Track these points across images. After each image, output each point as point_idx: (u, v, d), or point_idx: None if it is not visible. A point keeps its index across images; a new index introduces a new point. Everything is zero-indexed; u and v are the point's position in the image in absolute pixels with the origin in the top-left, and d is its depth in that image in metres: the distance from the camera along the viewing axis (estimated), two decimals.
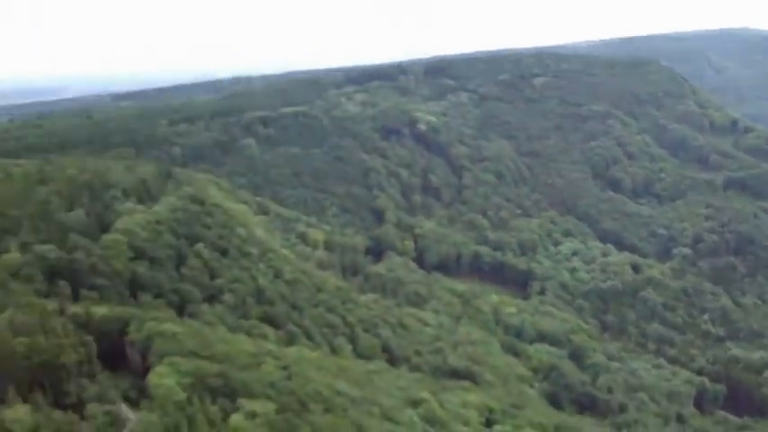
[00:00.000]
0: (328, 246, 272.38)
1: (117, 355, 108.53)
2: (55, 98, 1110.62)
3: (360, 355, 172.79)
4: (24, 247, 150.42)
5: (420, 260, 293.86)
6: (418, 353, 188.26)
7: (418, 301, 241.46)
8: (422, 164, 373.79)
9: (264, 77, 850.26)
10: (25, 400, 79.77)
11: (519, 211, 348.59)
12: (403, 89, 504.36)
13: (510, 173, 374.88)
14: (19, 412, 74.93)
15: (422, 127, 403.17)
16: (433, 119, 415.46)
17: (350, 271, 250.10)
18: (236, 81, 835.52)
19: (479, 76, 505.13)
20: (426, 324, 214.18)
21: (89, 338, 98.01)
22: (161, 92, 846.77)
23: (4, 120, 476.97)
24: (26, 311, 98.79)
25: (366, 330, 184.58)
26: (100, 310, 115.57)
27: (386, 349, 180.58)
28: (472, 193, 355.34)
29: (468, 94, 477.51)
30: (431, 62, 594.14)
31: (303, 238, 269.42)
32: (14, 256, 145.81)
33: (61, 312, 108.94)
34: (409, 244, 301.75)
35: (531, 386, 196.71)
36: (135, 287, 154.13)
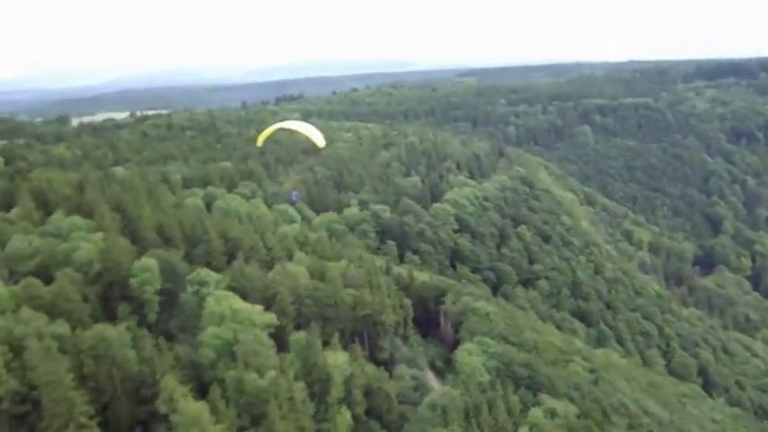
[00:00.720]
0: (653, 248, 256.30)
1: (430, 321, 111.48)
2: (405, 70, 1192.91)
3: (672, 372, 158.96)
4: (363, 205, 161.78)
5: (756, 281, 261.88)
6: (740, 385, 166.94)
7: (747, 326, 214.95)
8: None
9: (606, 65, 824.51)
10: (345, 349, 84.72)
11: None
12: (762, 88, 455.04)
13: None
14: (339, 359, 79.63)
15: None
16: None
17: (673, 279, 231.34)
18: (577, 67, 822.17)
19: None
20: (754, 354, 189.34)
21: (408, 301, 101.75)
22: (502, 71, 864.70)
23: (361, 86, 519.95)
24: (357, 265, 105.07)
25: (683, 347, 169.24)
26: (421, 276, 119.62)
27: (702, 373, 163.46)
28: None
29: None
30: None
31: (628, 235, 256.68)
32: (354, 211, 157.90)
33: (387, 271, 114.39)
34: (746, 261, 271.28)
35: None
36: (455, 258, 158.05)
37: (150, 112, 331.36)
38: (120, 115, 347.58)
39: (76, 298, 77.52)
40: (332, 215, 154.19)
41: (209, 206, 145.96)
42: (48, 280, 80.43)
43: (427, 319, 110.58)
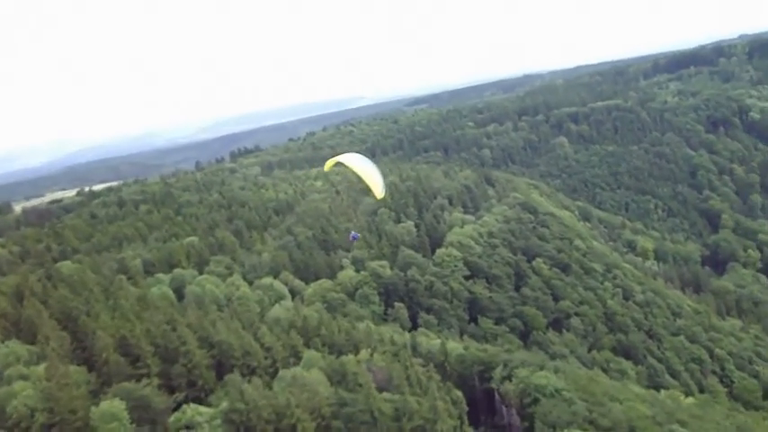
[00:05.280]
0: (660, 255, 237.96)
1: (477, 405, 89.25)
2: (354, 107, 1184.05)
3: (737, 399, 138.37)
4: (358, 264, 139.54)
5: None
6: None
7: None
8: (759, 158, 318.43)
9: (555, 73, 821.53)
10: None
11: None
12: (725, 74, 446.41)
13: None
14: None
15: (755, 115, 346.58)
16: None
17: (691, 286, 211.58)
18: (527, 79, 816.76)
19: None
20: None
21: (459, 393, 79.33)
22: (452, 94, 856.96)
23: (315, 128, 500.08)
24: (379, 350, 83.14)
25: (740, 368, 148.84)
26: (455, 347, 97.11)
27: None
28: None
29: None
30: (756, 39, 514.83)
31: (631, 246, 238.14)
32: (349, 273, 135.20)
33: (414, 349, 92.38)
34: (754, 253, 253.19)
35: None
36: (473, 310, 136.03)
37: (100, 187, 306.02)
38: (69, 194, 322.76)
39: None
40: (325, 283, 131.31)
41: (179, 293, 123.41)
42: None
43: (473, 401, 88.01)
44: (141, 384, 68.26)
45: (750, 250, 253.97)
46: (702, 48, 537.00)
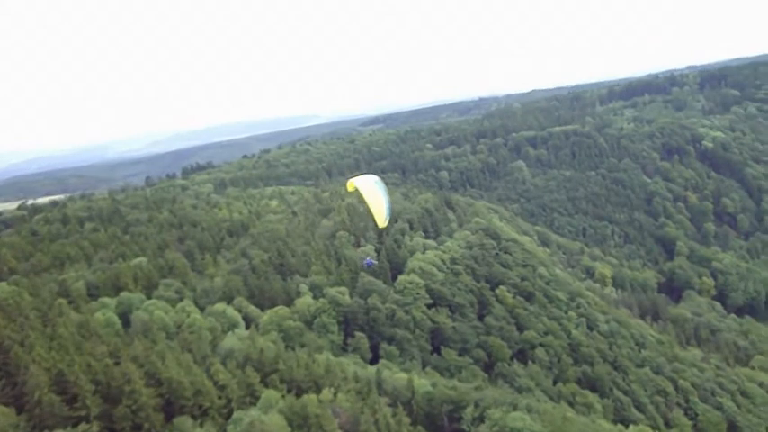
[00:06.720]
0: (617, 282, 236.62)
1: None
2: (308, 125, 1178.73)
3: None
4: (316, 290, 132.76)
5: (722, 300, 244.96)
6: None
7: (739, 354, 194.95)
8: (711, 186, 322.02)
9: (510, 97, 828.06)
10: None
11: None
12: (678, 102, 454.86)
13: None
14: None
15: (708, 144, 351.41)
16: (719, 134, 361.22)
17: (650, 314, 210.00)
18: (482, 102, 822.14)
19: None
20: None
21: None
22: (407, 115, 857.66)
23: (268, 146, 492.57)
24: (343, 388, 76.97)
25: (703, 399, 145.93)
26: (422, 384, 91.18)
27: (733, 427, 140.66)
28: None
29: (758, 105, 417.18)
30: (707, 70, 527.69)
31: (589, 272, 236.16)
32: (307, 300, 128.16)
33: (378, 385, 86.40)
34: (708, 281, 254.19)
35: None
36: (437, 340, 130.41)
37: (45, 200, 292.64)
38: (10, 206, 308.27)
39: None
40: (281, 310, 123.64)
41: (125, 318, 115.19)
42: None
43: None
44: (79, 429, 60.96)
45: (704, 277, 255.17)
46: (656, 77, 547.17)
